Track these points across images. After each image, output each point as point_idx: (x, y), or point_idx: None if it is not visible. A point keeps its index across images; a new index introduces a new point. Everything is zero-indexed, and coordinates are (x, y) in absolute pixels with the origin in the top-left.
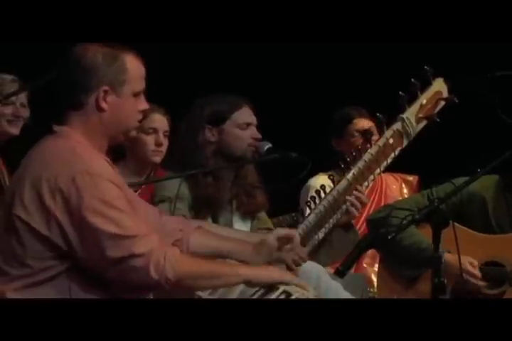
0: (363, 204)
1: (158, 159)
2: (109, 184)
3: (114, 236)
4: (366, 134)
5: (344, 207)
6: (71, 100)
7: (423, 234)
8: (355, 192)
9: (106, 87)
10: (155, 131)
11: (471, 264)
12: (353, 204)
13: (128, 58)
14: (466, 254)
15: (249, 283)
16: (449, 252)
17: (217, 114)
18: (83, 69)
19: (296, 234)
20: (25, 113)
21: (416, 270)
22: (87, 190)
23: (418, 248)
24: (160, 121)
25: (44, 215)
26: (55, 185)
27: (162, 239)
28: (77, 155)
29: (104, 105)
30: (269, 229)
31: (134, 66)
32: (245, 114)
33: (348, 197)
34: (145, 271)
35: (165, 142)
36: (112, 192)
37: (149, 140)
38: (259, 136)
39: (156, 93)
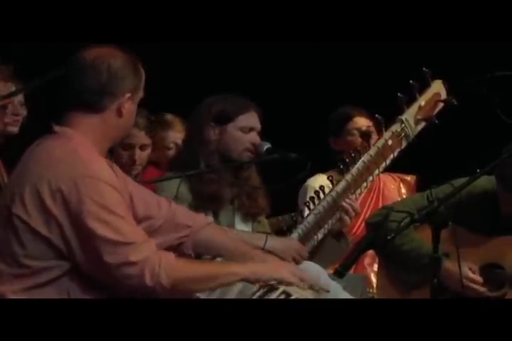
0: (356, 213)
1: (135, 172)
2: (110, 189)
3: (112, 242)
4: (365, 135)
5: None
6: (93, 103)
7: (423, 239)
8: (347, 200)
9: (129, 94)
10: (130, 146)
11: (470, 270)
12: (346, 212)
13: (141, 65)
14: (465, 256)
15: (248, 281)
16: (448, 254)
17: (223, 113)
18: (114, 75)
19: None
20: (24, 111)
21: (416, 275)
22: (88, 193)
23: (418, 253)
24: (136, 135)
25: (44, 216)
26: (56, 186)
27: (166, 234)
28: (79, 158)
29: (124, 111)
30: (267, 234)
31: (143, 73)
32: (250, 119)
33: (342, 204)
34: (140, 279)
35: (140, 156)
36: (112, 198)
37: (125, 155)
38: (259, 141)
39: (155, 94)
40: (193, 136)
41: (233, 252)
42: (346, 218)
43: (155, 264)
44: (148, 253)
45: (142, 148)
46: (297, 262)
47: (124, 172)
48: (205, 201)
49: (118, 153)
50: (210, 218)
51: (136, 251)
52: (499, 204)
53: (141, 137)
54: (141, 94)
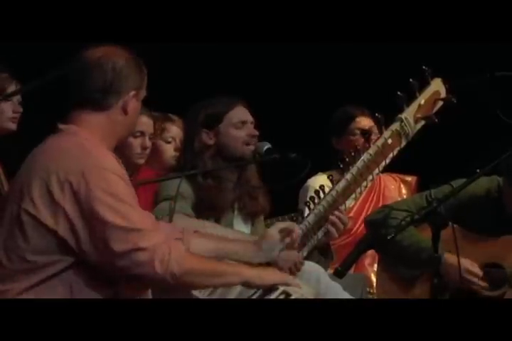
0: (345, 226)
1: (141, 161)
2: (118, 178)
3: (121, 228)
4: (365, 134)
5: (323, 229)
6: (98, 102)
7: (423, 235)
8: (336, 212)
9: (134, 92)
10: (142, 134)
11: (471, 265)
12: (333, 224)
13: (143, 64)
14: (465, 256)
15: (249, 285)
16: (449, 252)
17: (211, 116)
18: (119, 73)
19: (296, 226)
20: (21, 109)
21: (415, 270)
22: (97, 183)
23: (417, 248)
24: (147, 124)
25: (52, 208)
26: (64, 178)
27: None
28: (86, 150)
29: (129, 109)
30: None
31: (146, 71)
32: (239, 113)
33: (330, 216)
34: (150, 266)
35: (149, 145)
36: (121, 186)
37: (136, 143)
38: (256, 133)
39: (155, 94)
40: (186, 145)
41: (227, 251)
42: (333, 231)
43: (165, 252)
44: (157, 240)
45: (150, 137)
46: (292, 273)
47: (131, 161)
48: (205, 207)
49: (128, 141)
50: (202, 222)
51: (145, 238)
52: (504, 202)
53: (151, 126)
54: (144, 92)
